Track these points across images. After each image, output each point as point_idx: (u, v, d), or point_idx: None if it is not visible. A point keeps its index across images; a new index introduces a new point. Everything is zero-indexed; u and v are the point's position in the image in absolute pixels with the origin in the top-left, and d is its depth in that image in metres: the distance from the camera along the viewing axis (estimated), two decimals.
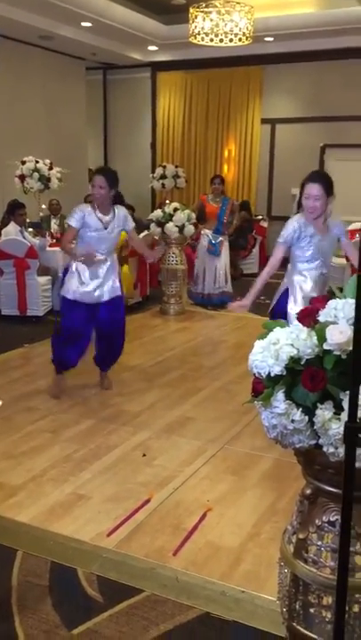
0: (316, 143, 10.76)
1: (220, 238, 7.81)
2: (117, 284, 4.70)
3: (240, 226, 9.89)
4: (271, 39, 9.81)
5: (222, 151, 11.61)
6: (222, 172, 11.40)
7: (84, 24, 9.24)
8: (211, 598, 2.59)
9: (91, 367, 5.50)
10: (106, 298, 4.61)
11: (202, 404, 4.71)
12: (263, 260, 10.21)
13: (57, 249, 7.67)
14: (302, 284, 3.97)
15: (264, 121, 11.17)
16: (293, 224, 3.88)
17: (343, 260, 8.20)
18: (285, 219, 4.22)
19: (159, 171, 10.90)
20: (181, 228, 7.27)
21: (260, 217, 10.96)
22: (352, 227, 8.60)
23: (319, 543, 1.81)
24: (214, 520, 3.14)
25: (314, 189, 3.80)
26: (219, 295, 7.88)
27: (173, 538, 2.98)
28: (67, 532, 3.04)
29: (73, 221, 4.48)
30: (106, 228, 4.51)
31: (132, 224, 4.70)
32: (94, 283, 4.56)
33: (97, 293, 4.58)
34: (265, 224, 10.85)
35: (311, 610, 1.90)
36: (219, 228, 7.79)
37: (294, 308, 3.88)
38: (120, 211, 4.60)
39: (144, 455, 3.83)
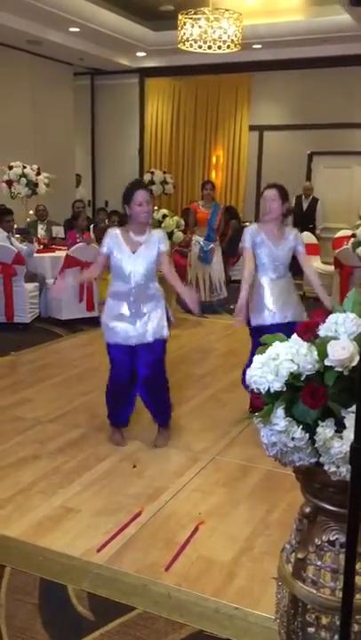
0: (303, 150, 10.80)
1: (212, 245, 7.82)
2: (164, 322, 4.00)
3: (232, 235, 9.89)
4: (259, 46, 9.83)
5: (210, 157, 11.61)
6: (210, 179, 11.41)
7: (71, 29, 9.20)
8: (204, 615, 2.53)
9: (80, 374, 5.45)
10: (150, 339, 3.92)
11: (192, 414, 4.66)
12: None
13: (45, 255, 7.63)
14: (261, 291, 4.20)
15: (252, 128, 11.18)
16: (248, 229, 4.25)
17: (331, 267, 8.21)
18: None
19: (147, 177, 10.87)
20: (170, 235, 7.23)
21: (248, 223, 10.95)
22: (340, 234, 8.63)
23: (319, 563, 1.77)
24: (207, 533, 3.09)
25: (270, 193, 4.17)
26: (219, 302, 7.94)
27: (165, 552, 2.93)
28: (56, 547, 2.97)
29: (102, 248, 3.90)
30: (134, 252, 3.83)
31: (165, 247, 3.91)
32: (138, 320, 3.89)
33: (139, 332, 3.88)
34: None
35: (310, 630, 1.86)
36: (210, 235, 7.79)
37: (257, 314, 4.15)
38: (155, 233, 3.94)
39: (134, 466, 3.77)
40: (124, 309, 3.89)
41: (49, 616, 2.54)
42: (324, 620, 1.82)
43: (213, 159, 11.61)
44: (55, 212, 9.13)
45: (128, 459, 3.88)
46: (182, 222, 7.43)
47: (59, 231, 8.61)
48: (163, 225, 7.22)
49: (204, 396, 5.02)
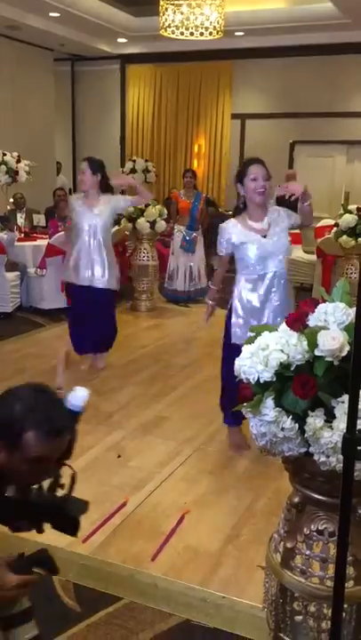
0: (285, 139, 10.77)
1: (194, 234, 7.80)
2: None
3: (210, 222, 9.88)
4: (242, 34, 9.76)
5: (192, 146, 11.54)
6: (192, 167, 11.35)
7: (52, 14, 9.05)
8: (191, 605, 2.54)
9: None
10: None
11: (176, 403, 4.65)
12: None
13: (26, 243, 7.54)
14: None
15: (234, 116, 11.11)
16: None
17: (313, 257, 8.23)
18: None
19: (129, 165, 10.78)
20: (153, 224, 7.20)
21: (230, 212, 10.91)
22: (322, 223, 8.64)
23: (307, 552, 1.77)
24: (192, 523, 3.09)
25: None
26: (196, 292, 7.91)
27: (151, 542, 2.92)
28: (41, 538, 2.93)
29: (220, 250, 3.71)
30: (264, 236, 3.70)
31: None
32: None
33: None
34: None
35: (298, 618, 1.87)
36: (192, 225, 7.76)
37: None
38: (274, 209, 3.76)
39: (119, 456, 3.76)
40: (255, 301, 3.61)
41: (35, 607, 2.52)
42: (312, 609, 1.82)
43: (195, 147, 11.54)
44: (36, 201, 9.02)
45: (112, 448, 3.87)
46: (165, 211, 7.39)
47: (40, 219, 8.52)
48: (145, 214, 7.19)
49: (187, 386, 5.01)
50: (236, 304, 3.64)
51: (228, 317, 3.70)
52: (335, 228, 6.80)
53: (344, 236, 6.62)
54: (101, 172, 4.91)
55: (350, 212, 6.64)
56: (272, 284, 3.57)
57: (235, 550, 2.88)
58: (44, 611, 2.50)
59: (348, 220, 6.55)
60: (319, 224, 8.75)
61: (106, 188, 4.95)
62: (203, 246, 8.02)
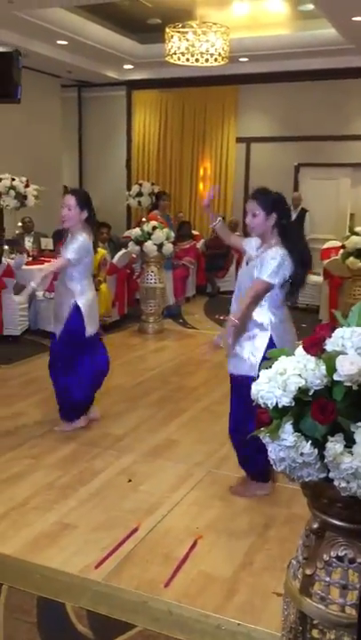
0: (290, 162, 10.87)
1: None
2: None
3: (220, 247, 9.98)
4: (246, 59, 9.90)
5: (198, 169, 11.65)
6: (198, 191, 11.48)
7: (59, 42, 9.21)
8: (206, 632, 2.51)
9: None
10: None
11: (186, 426, 4.64)
12: None
13: (34, 267, 7.58)
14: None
15: (239, 140, 11.23)
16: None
17: (320, 278, 8.25)
18: None
19: (135, 188, 10.88)
20: (160, 247, 7.24)
21: (237, 234, 10.98)
22: (328, 245, 8.68)
23: (327, 579, 1.76)
24: (205, 548, 3.06)
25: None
26: (176, 307, 8.11)
27: (164, 568, 2.90)
28: (53, 564, 2.92)
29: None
30: None
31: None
32: None
33: None
34: None
35: None
36: None
37: None
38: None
39: (130, 481, 3.74)
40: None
41: (48, 635, 2.50)
42: (332, 636, 1.80)
43: (201, 171, 11.64)
44: (43, 224, 9.10)
45: (123, 473, 3.85)
46: (172, 234, 7.44)
47: (48, 243, 8.58)
48: (152, 237, 7.24)
49: (197, 409, 5.00)
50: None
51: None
52: (342, 250, 6.82)
53: (351, 258, 6.64)
54: (88, 207, 4.26)
55: (357, 234, 6.67)
56: None
57: (249, 576, 2.85)
58: (58, 638, 2.48)
59: (356, 241, 6.58)
60: (325, 245, 8.79)
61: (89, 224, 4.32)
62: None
